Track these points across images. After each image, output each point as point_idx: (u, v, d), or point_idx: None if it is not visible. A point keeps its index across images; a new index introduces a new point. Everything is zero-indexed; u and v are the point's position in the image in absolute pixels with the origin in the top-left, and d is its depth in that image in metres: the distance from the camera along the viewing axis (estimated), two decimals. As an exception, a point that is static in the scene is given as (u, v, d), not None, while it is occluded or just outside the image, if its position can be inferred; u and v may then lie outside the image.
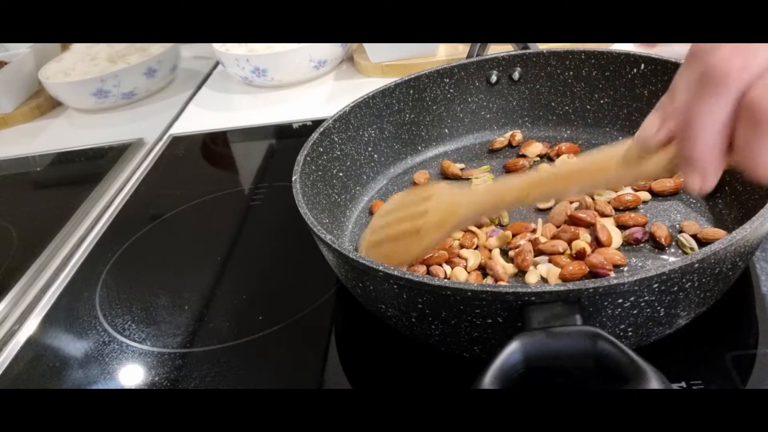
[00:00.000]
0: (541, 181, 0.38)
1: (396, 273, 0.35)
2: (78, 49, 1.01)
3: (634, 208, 0.50)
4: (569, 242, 0.47)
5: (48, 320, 0.54)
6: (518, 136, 0.61)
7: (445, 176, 0.59)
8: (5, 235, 0.69)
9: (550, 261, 0.46)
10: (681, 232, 0.46)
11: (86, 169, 0.86)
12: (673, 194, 0.51)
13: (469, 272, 0.46)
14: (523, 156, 0.59)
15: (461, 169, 0.59)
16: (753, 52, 0.27)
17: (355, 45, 0.96)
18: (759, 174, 0.28)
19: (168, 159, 0.79)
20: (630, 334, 0.36)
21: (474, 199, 0.42)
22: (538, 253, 0.47)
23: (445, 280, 0.35)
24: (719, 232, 0.44)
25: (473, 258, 0.47)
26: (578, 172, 0.37)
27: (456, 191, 0.44)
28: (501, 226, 0.51)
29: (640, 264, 0.45)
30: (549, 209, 0.51)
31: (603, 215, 0.49)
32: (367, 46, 0.88)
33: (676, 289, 0.34)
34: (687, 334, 0.39)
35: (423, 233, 0.43)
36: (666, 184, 0.50)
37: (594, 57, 0.58)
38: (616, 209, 0.50)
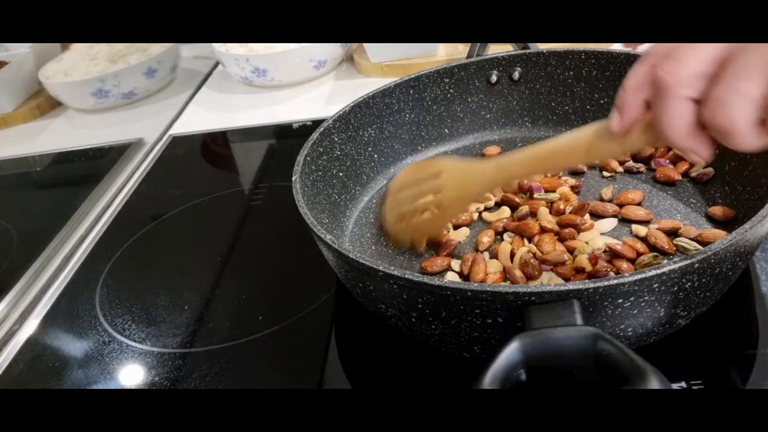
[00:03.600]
0: (545, 155, 0.40)
1: (396, 273, 0.35)
2: (78, 49, 1.01)
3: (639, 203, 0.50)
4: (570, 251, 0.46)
5: (48, 320, 0.54)
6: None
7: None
8: (5, 235, 0.69)
9: (552, 270, 0.45)
10: (679, 236, 0.46)
11: (86, 169, 0.85)
12: (673, 194, 0.51)
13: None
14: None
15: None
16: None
17: (355, 45, 0.96)
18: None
19: (168, 159, 0.79)
20: (630, 334, 0.36)
21: (484, 177, 0.44)
22: (541, 262, 0.46)
23: (445, 280, 0.35)
24: (719, 233, 0.44)
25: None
26: (579, 142, 0.37)
27: (464, 168, 0.46)
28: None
29: (640, 264, 0.45)
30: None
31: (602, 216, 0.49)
32: (367, 46, 0.88)
33: (676, 289, 0.34)
34: (687, 334, 0.39)
35: (444, 208, 0.46)
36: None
37: (594, 57, 0.58)
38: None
